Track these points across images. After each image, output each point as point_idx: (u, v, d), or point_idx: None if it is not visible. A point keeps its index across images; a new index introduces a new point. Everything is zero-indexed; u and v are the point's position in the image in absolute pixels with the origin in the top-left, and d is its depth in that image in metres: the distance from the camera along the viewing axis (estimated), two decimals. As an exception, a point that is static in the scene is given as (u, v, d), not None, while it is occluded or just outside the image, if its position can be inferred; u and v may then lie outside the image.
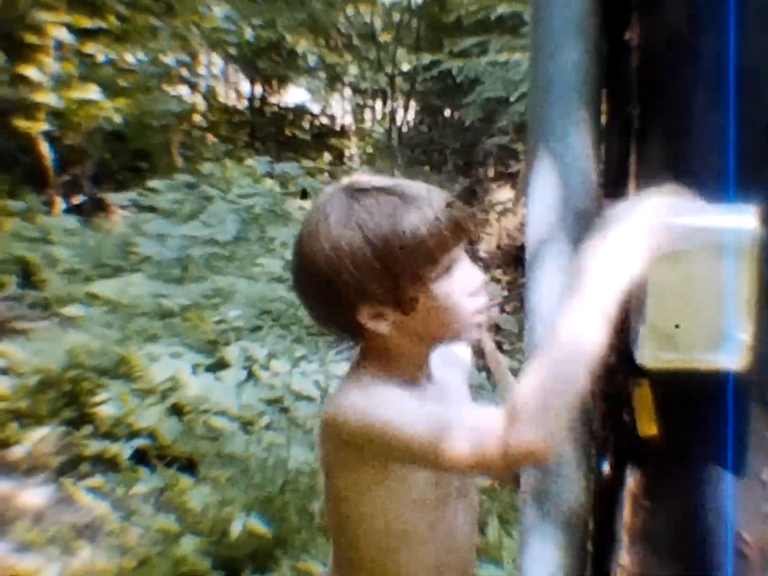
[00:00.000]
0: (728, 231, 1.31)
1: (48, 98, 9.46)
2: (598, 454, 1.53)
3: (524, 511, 1.53)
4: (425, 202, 1.45)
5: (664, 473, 1.42)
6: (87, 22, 9.85)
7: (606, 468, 1.52)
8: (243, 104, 14.47)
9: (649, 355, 1.35)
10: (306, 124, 14.12)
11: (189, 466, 4.32)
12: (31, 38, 9.55)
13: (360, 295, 1.45)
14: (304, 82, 13.92)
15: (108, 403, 4.47)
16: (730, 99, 1.34)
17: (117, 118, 10.05)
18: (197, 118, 13.54)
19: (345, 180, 1.52)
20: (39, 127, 9.57)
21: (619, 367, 1.45)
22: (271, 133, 13.60)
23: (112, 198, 8.63)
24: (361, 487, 1.54)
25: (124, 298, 5.65)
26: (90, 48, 10.29)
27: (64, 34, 9.77)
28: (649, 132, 1.43)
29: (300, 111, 14.50)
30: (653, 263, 1.29)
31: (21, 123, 9.51)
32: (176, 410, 4.47)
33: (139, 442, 4.33)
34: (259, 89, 14.12)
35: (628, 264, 1.27)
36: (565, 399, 1.24)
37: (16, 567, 3.70)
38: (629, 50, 1.46)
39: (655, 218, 1.29)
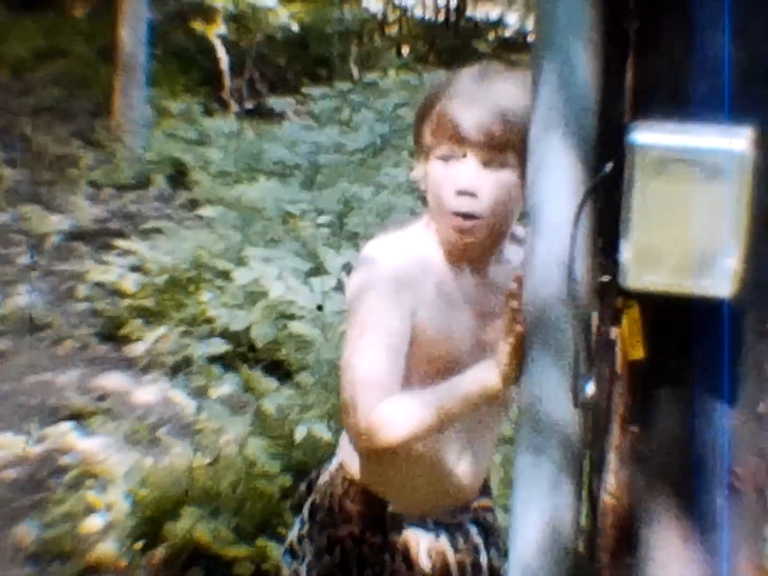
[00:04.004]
0: (718, 152, 1.26)
1: (224, 2, 9.53)
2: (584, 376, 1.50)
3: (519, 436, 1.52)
4: (465, 93, 1.63)
5: (653, 398, 1.39)
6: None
7: (591, 389, 1.46)
8: (433, 17, 14.26)
9: (631, 276, 1.31)
10: (491, 39, 13.79)
11: (289, 373, 4.26)
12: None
13: (414, 135, 1.72)
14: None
15: (213, 305, 4.45)
16: (735, 16, 1.28)
17: (293, 25, 10.06)
18: (393, 29, 13.47)
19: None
20: (214, 29, 9.66)
21: (609, 289, 1.41)
22: (454, 46, 13.33)
23: (273, 103, 8.64)
24: None
25: (255, 203, 5.64)
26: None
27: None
28: (648, 48, 1.38)
29: (490, 25, 14.19)
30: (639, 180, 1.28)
31: (198, 25, 9.65)
32: (282, 315, 4.39)
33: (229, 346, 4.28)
34: (454, 2, 13.85)
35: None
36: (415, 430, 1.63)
37: (102, 463, 3.74)
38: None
39: None
